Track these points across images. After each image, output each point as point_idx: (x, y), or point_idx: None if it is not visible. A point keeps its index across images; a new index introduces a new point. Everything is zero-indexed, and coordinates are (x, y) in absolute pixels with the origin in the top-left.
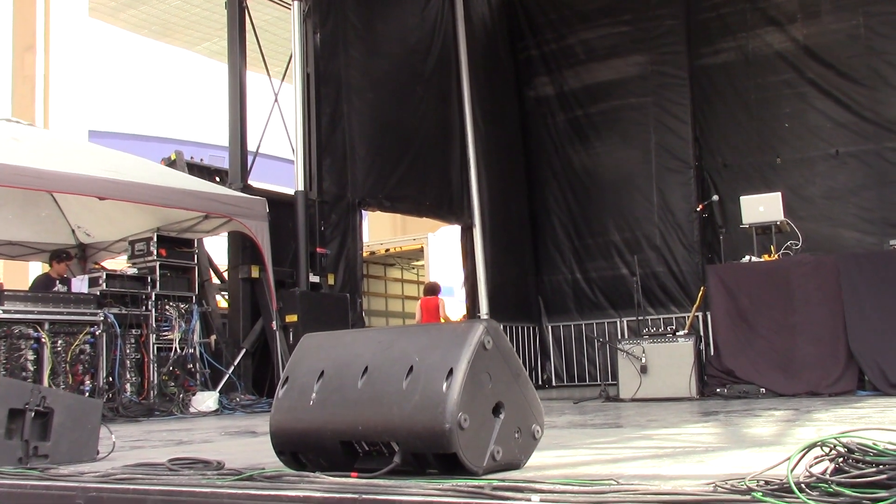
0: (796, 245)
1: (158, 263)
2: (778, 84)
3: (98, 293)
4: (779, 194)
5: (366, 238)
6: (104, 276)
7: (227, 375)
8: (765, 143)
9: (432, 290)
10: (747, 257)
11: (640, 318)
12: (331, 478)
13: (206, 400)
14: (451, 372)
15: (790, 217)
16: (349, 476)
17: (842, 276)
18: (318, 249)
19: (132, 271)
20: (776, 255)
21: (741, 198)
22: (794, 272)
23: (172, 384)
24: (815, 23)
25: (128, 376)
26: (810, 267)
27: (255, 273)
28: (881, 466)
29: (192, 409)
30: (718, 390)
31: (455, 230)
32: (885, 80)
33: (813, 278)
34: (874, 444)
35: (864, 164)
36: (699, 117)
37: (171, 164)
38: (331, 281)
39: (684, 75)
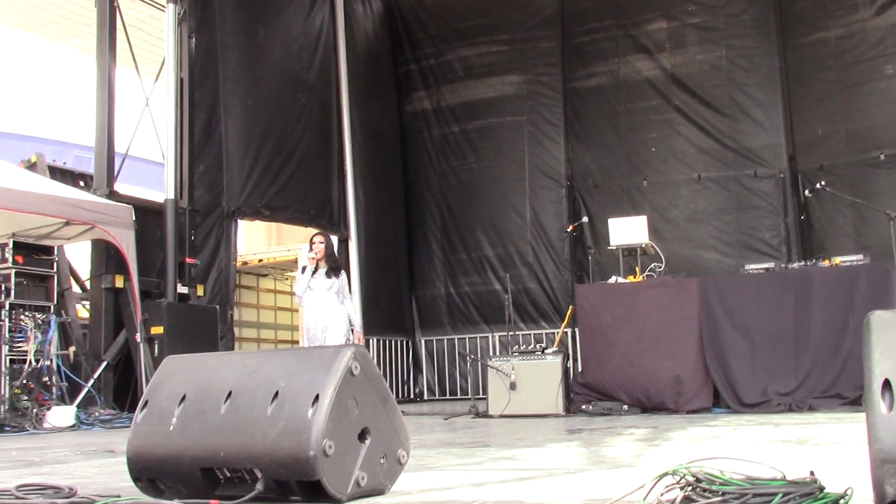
0: (660, 267)
1: (14, 271)
2: (646, 109)
3: None
4: (644, 218)
5: (240, 248)
6: None
7: (86, 389)
8: (633, 166)
9: None
10: (614, 278)
11: (511, 333)
12: None
13: (63, 415)
14: (317, 398)
15: (655, 238)
16: None
17: (700, 298)
18: (188, 259)
19: None
20: (641, 277)
21: (609, 220)
22: (655, 293)
23: (26, 398)
24: (682, 53)
25: None
26: (672, 288)
27: (119, 283)
28: (725, 495)
29: (46, 425)
30: (584, 407)
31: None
32: (744, 111)
33: (674, 299)
34: (720, 473)
35: (724, 189)
36: (572, 138)
37: (31, 166)
38: (200, 292)
39: (559, 96)
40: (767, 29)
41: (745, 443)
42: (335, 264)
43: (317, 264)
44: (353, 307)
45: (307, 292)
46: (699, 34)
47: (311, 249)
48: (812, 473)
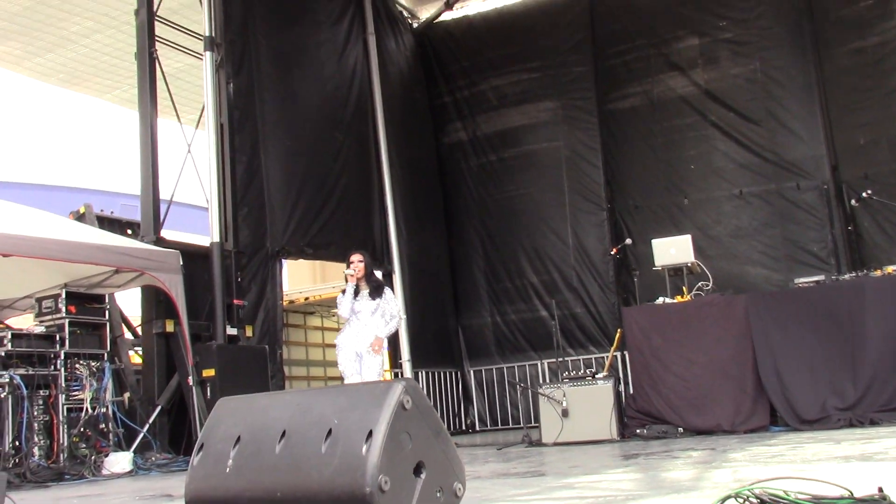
0: (707, 285)
1: (67, 321)
2: (683, 127)
3: (3, 353)
4: (689, 237)
5: (285, 287)
6: (9, 336)
7: (142, 434)
8: (672, 185)
9: None
10: (661, 299)
11: (560, 360)
12: None
13: (120, 461)
14: (370, 434)
15: (700, 256)
16: None
17: (750, 315)
18: (235, 301)
19: (39, 329)
20: (688, 296)
21: (653, 241)
22: (705, 312)
23: (84, 446)
24: (716, 68)
25: (36, 439)
26: (720, 307)
27: (169, 327)
28: None
29: (105, 471)
30: (638, 431)
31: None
32: (783, 123)
33: (723, 318)
34: (785, 493)
35: (767, 203)
36: (610, 160)
37: (80, 217)
38: (249, 333)
39: (594, 120)
40: (801, 40)
41: (808, 461)
42: (377, 283)
43: (357, 285)
44: (387, 327)
45: (352, 316)
46: (732, 48)
47: (348, 268)
48: (881, 490)
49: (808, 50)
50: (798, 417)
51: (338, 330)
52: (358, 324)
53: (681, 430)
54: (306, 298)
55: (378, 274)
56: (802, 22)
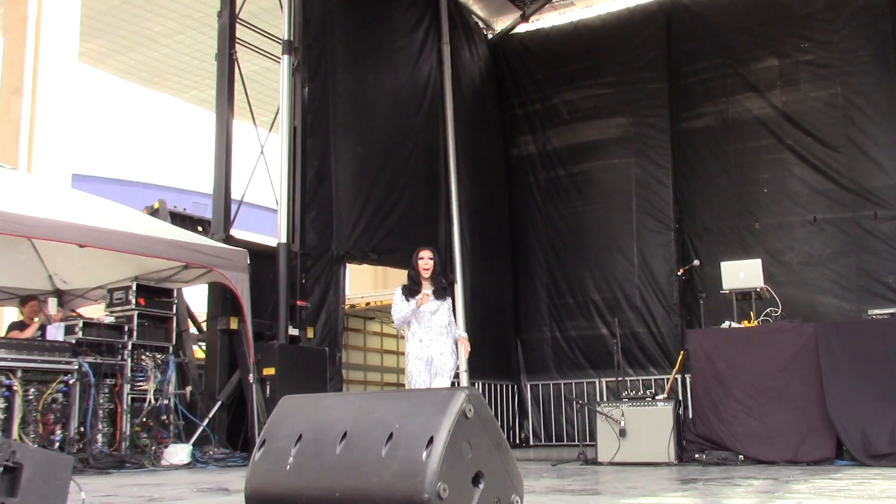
0: (776, 312)
1: (137, 313)
2: (757, 149)
3: (74, 341)
4: (759, 261)
5: (347, 291)
6: (81, 324)
7: (202, 428)
8: (744, 208)
9: None
10: (727, 323)
11: (619, 379)
12: None
13: (179, 453)
14: (431, 440)
15: (769, 282)
16: None
17: (820, 345)
18: (299, 302)
19: (109, 320)
20: (756, 322)
21: (722, 263)
22: (772, 339)
23: (145, 436)
24: (795, 90)
25: (100, 427)
26: (789, 334)
27: (233, 324)
28: None
29: (163, 462)
30: (697, 456)
31: None
32: (862, 150)
33: (791, 346)
34: None
35: (842, 231)
36: (680, 180)
37: (153, 212)
38: (310, 334)
39: (666, 138)
40: (886, 65)
41: (875, 497)
42: (444, 283)
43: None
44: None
45: (412, 317)
46: (812, 71)
47: (416, 266)
48: None
49: (893, 75)
50: (866, 452)
51: (398, 336)
52: (420, 324)
53: (741, 457)
54: (367, 303)
55: None
56: (889, 47)
